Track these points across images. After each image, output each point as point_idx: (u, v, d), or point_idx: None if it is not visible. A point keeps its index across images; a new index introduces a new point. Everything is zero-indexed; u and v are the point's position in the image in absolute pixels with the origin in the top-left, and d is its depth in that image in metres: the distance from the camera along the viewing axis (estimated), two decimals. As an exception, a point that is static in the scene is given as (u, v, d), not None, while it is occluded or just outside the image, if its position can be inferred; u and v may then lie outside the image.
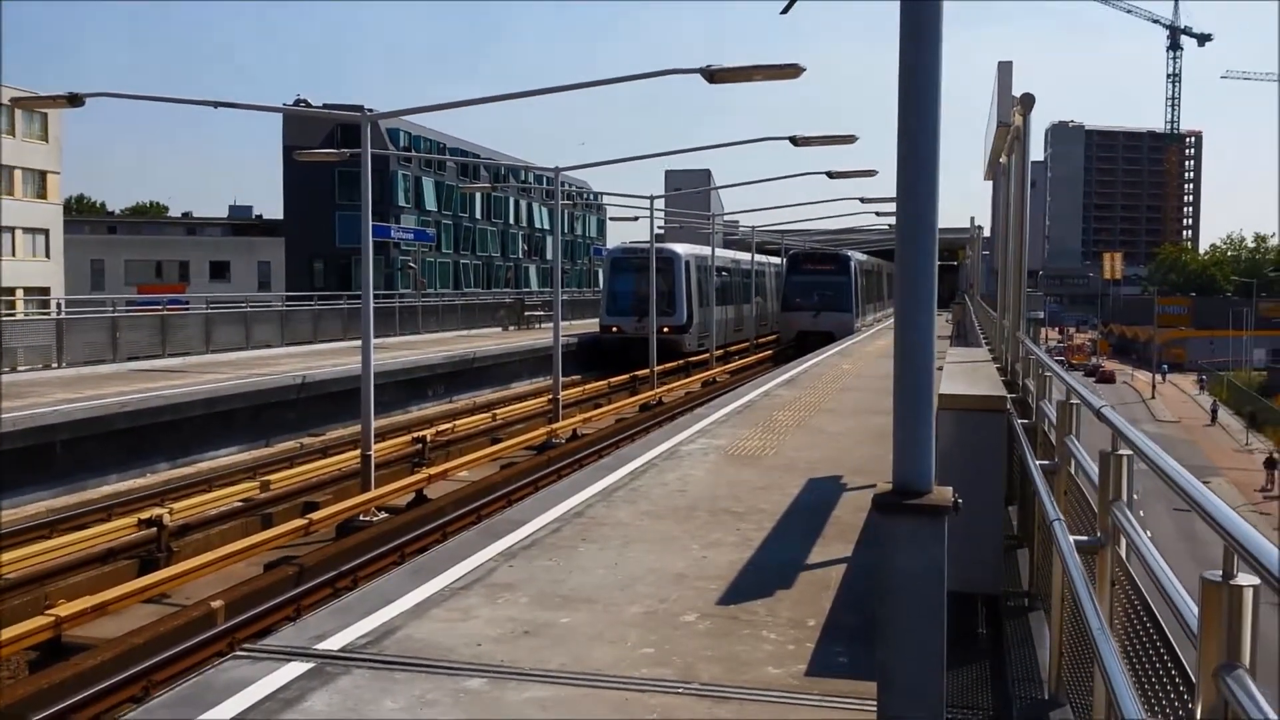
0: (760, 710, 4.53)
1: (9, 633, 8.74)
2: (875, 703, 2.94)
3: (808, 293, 41.85)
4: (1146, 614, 2.80)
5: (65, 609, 9.36)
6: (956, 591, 3.10)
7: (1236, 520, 1.88)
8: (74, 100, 14.97)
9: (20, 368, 21.62)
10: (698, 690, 4.75)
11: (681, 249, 37.96)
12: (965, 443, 5.52)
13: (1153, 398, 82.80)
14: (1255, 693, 1.71)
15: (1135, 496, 3.21)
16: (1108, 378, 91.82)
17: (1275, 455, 52.92)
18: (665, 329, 34.43)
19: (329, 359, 24.87)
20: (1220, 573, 1.88)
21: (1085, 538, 3.61)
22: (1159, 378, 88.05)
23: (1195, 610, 2.02)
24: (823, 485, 9.57)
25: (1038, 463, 5.10)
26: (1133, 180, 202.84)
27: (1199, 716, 1.92)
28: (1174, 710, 2.33)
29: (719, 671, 4.97)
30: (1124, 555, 3.20)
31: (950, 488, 2.76)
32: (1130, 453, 3.17)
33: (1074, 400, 4.71)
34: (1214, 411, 74.22)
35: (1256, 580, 1.82)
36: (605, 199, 64.53)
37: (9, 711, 7.60)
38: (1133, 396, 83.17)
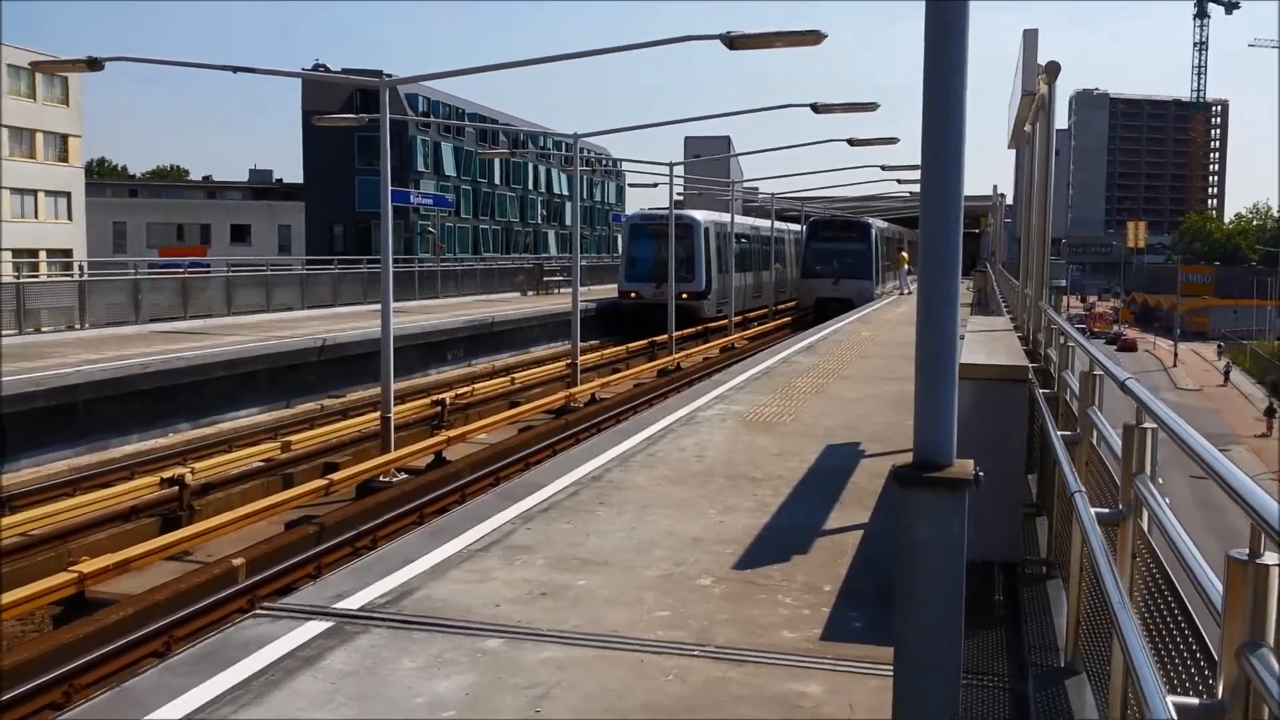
0: (775, 674, 4.55)
1: (34, 588, 8.87)
2: (890, 667, 2.94)
3: (828, 260, 41.68)
4: (1168, 588, 2.78)
5: (88, 566, 9.47)
6: (975, 559, 3.09)
7: (1265, 499, 1.86)
8: (93, 64, 14.96)
9: (44, 329, 21.80)
10: (713, 653, 4.77)
11: (701, 215, 37.78)
12: (986, 413, 5.48)
13: (1174, 366, 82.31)
14: (1279, 670, 1.70)
15: (1160, 481, 3.18)
16: (1129, 346, 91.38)
17: (1275, 404, 57.99)
18: (684, 295, 34.36)
19: (349, 322, 24.95)
20: (1246, 551, 1.86)
21: (1106, 510, 3.58)
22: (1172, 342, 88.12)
23: (1218, 586, 2.01)
24: (840, 451, 9.56)
25: (1059, 433, 5.07)
26: (1157, 149, 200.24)
27: (1220, 693, 1.91)
28: (1194, 685, 2.32)
29: (734, 635, 4.99)
30: (1145, 528, 3.18)
31: (971, 460, 2.74)
32: (1154, 426, 3.14)
33: (1097, 371, 4.67)
34: (1227, 372, 75.05)
35: (1283, 559, 1.81)
36: (624, 165, 64.31)
37: (34, 665, 7.72)
38: (1154, 365, 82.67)
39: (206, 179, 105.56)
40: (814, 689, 4.41)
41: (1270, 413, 57.12)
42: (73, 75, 52.36)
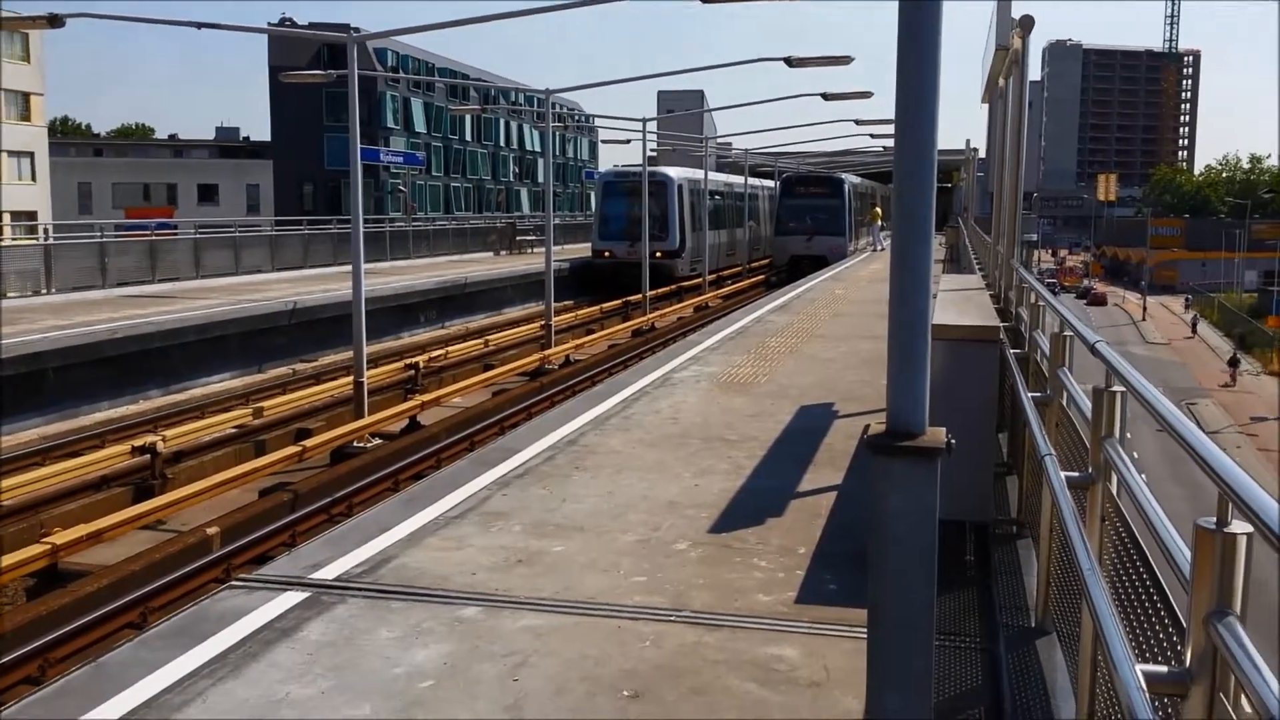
0: (751, 637, 4.59)
1: (6, 560, 8.80)
2: (864, 630, 2.97)
3: (801, 216, 41.62)
4: (1137, 553, 2.81)
5: (61, 537, 9.41)
6: (946, 519, 3.12)
7: (1232, 467, 1.87)
8: (54, 21, 14.61)
9: (10, 294, 21.49)
10: (689, 617, 4.80)
11: (674, 172, 37.60)
12: (958, 373, 5.51)
13: (1143, 319, 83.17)
14: (1245, 640, 1.72)
15: (1129, 436, 3.21)
16: (1099, 300, 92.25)
17: (1238, 355, 60.66)
18: (658, 253, 34.28)
19: (320, 284, 24.73)
20: (1214, 520, 1.88)
21: (1076, 474, 3.62)
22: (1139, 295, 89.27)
23: (1186, 552, 2.03)
24: (814, 412, 9.61)
25: (1029, 394, 5.10)
26: (1129, 100, 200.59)
27: (1189, 660, 1.93)
28: (1162, 651, 2.35)
29: (710, 599, 5.02)
30: (1115, 492, 3.21)
31: (944, 429, 2.75)
32: (1123, 389, 3.16)
33: (1067, 333, 4.69)
34: (1194, 324, 76.49)
35: (1250, 528, 1.82)
36: (598, 121, 63.81)
37: (9, 639, 7.68)
38: (1123, 318, 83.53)
39: (172, 137, 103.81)
40: (790, 652, 4.45)
41: (1234, 363, 58.72)
42: (34, 31, 51.26)
